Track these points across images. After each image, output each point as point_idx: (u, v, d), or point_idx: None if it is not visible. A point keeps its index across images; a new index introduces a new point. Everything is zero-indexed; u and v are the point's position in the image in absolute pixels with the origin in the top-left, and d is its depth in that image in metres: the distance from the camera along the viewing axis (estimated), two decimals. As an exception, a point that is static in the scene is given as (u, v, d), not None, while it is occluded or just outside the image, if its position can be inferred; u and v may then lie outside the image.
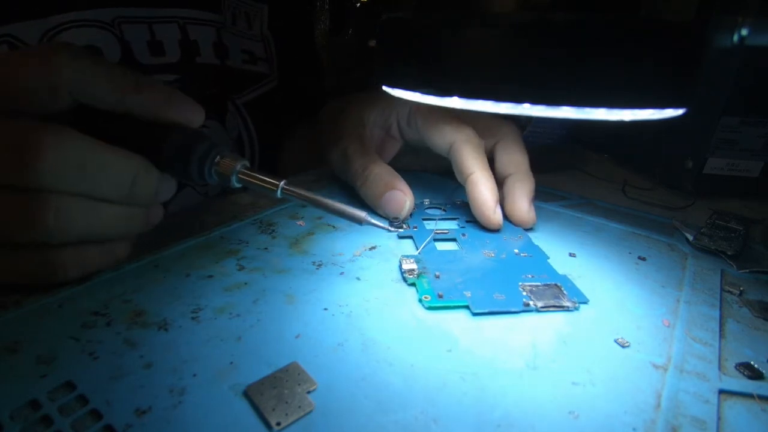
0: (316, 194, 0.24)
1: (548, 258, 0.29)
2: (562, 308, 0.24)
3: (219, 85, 0.46)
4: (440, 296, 0.24)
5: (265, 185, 0.24)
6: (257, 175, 0.24)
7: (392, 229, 0.27)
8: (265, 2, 0.49)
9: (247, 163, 0.24)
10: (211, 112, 0.46)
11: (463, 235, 0.31)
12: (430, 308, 0.23)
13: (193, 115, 0.24)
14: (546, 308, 0.24)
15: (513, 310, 0.23)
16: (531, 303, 0.24)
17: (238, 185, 0.24)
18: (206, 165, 0.24)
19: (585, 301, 0.24)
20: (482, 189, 0.31)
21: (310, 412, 0.17)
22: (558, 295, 0.25)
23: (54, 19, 0.35)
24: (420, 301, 0.24)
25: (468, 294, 0.24)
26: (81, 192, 0.21)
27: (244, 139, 0.49)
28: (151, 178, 0.23)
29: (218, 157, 0.24)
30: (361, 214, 0.25)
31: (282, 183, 0.24)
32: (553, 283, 0.26)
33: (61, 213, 0.20)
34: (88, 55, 0.22)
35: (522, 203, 0.32)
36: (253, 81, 0.50)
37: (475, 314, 0.23)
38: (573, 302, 0.24)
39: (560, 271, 0.27)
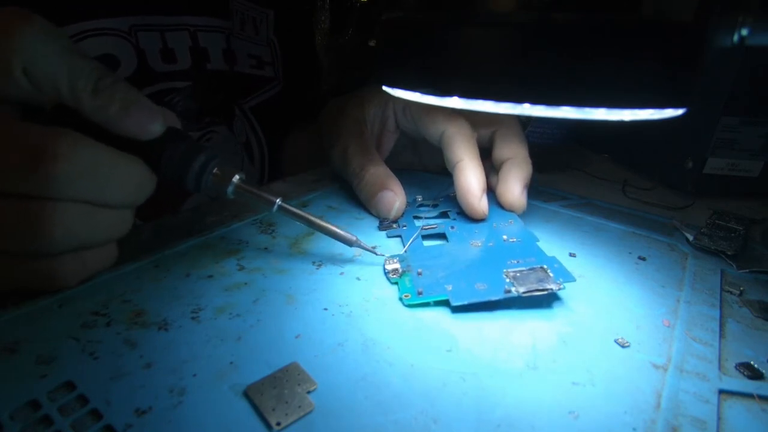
0: (312, 208, 0.25)
1: (538, 240, 0.28)
2: (545, 291, 0.23)
3: (227, 91, 0.46)
4: (420, 293, 0.24)
5: (261, 200, 0.25)
6: (253, 190, 0.25)
7: (378, 253, 0.27)
8: (271, 7, 0.49)
9: (244, 176, 0.25)
10: (219, 118, 0.47)
11: (452, 227, 0.31)
12: (409, 306, 0.23)
13: (149, 129, 0.22)
14: (528, 293, 0.23)
15: (493, 298, 0.23)
16: (513, 290, 0.23)
17: (232, 197, 0.25)
18: (203, 176, 0.24)
19: (572, 280, 0.24)
20: (469, 176, 0.31)
21: (310, 412, 0.17)
22: (543, 278, 0.24)
23: (72, 28, 0.35)
24: (400, 299, 0.24)
25: (449, 287, 0.24)
26: (88, 199, 0.21)
27: (252, 143, 0.50)
28: (152, 184, 0.23)
29: (216, 168, 0.24)
30: (352, 237, 0.26)
31: (278, 200, 0.25)
32: (539, 266, 0.25)
33: (66, 223, 0.20)
34: (57, 38, 0.21)
35: (515, 187, 0.32)
36: (259, 85, 0.50)
37: (453, 307, 0.23)
38: (558, 284, 0.23)
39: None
